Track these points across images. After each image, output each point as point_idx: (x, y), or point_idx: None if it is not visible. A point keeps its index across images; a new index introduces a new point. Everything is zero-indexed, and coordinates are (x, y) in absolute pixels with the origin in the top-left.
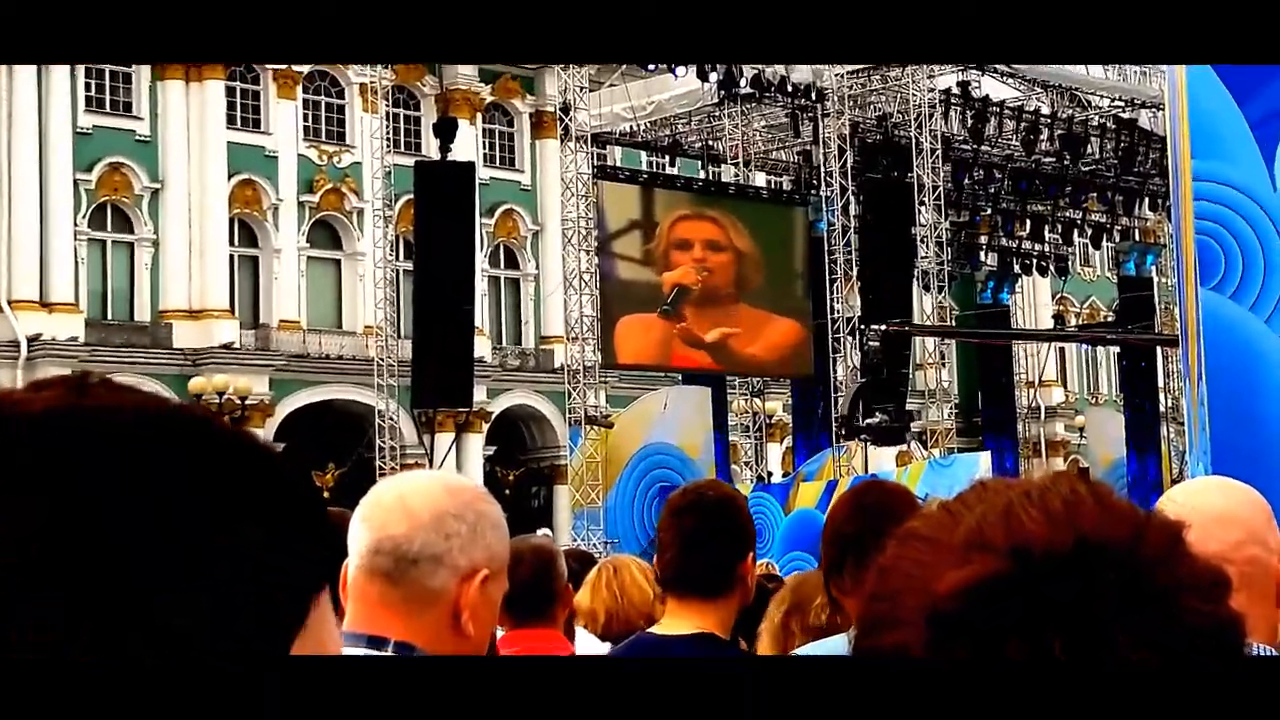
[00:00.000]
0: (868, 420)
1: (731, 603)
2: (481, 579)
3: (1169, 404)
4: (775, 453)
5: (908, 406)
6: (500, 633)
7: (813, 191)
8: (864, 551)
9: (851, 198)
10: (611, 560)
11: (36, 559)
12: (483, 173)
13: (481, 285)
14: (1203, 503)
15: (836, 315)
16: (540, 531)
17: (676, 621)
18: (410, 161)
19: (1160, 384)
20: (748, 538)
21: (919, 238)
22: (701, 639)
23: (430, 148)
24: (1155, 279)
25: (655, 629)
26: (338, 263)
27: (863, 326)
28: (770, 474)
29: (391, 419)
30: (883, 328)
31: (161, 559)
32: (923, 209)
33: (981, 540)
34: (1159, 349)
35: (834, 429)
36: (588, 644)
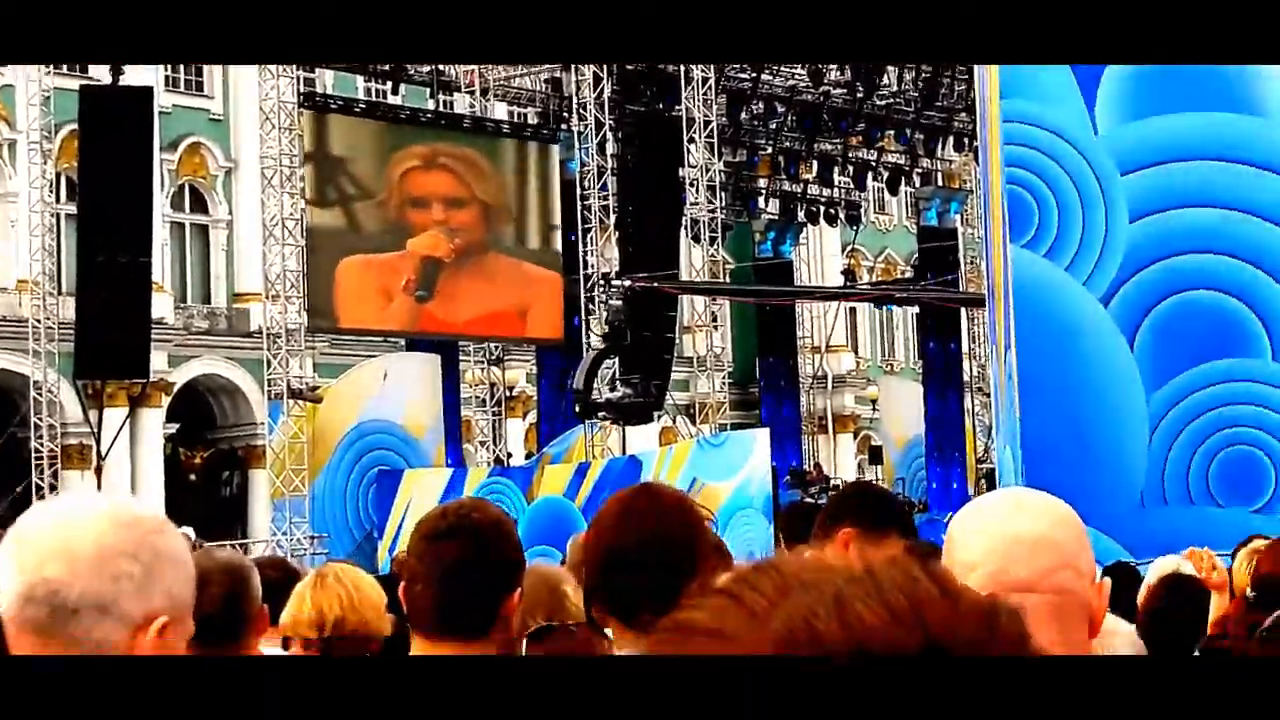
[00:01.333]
0: (609, 395)
1: (490, 646)
2: (159, 628)
3: (974, 372)
4: (516, 430)
5: (673, 376)
6: None
7: (564, 126)
8: (636, 572)
9: (609, 134)
10: (333, 565)
11: None
12: (163, 99)
13: (162, 233)
14: (1007, 525)
15: (591, 270)
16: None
17: None
18: (74, 85)
19: (965, 349)
20: (516, 570)
21: (688, 181)
22: None
23: (99, 69)
24: (960, 229)
25: None
26: None
27: (603, 282)
28: (510, 455)
29: (50, 391)
30: (626, 284)
31: None
32: (692, 148)
33: (812, 639)
34: (963, 310)
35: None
36: None
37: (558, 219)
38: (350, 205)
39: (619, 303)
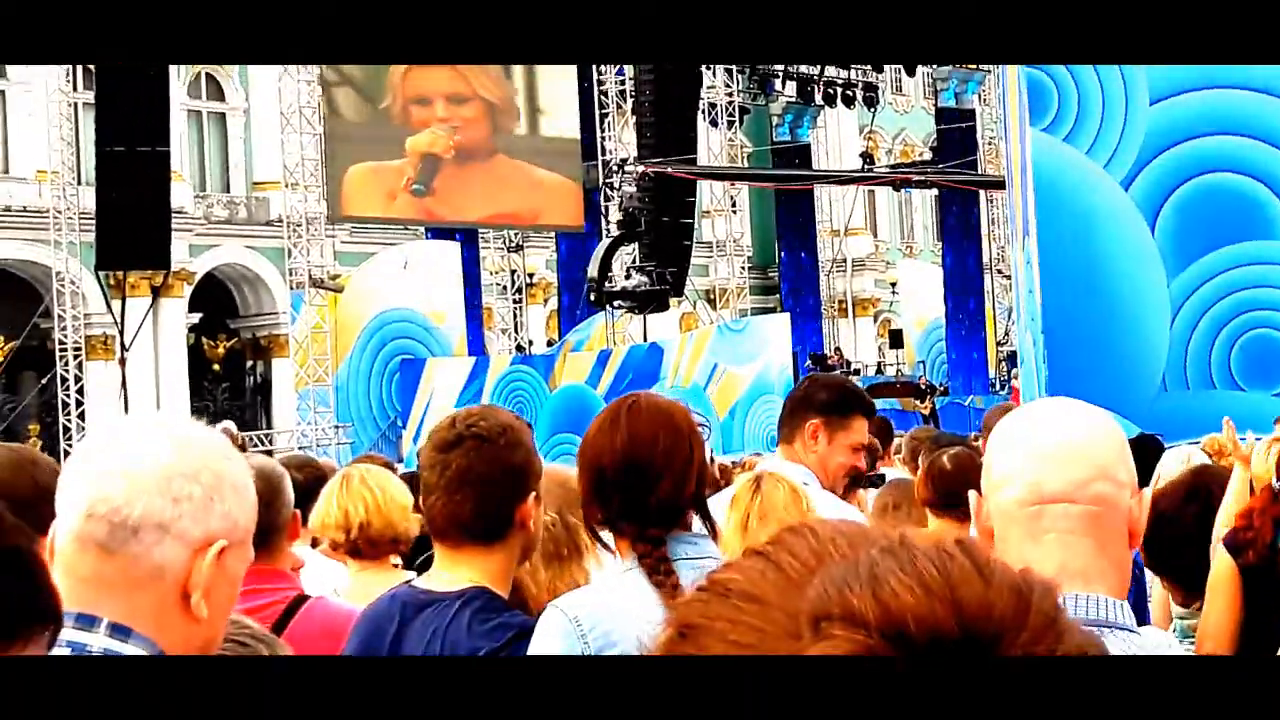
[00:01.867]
0: (624, 283)
1: (510, 550)
2: (218, 551)
3: (993, 254)
4: (537, 317)
5: (692, 261)
6: None
7: None
8: (630, 490)
9: None
10: (359, 467)
11: None
12: None
13: (180, 121)
14: (1043, 436)
15: (610, 156)
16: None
17: (444, 574)
18: None
19: (984, 231)
20: (529, 475)
21: (704, 64)
22: (474, 595)
23: None
24: (978, 110)
25: (420, 581)
26: (1, 93)
27: (616, 167)
28: (531, 343)
29: (73, 282)
30: (641, 169)
31: None
32: None
33: (845, 611)
34: (982, 192)
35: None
36: (324, 571)
37: (572, 109)
38: (359, 98)
39: (633, 189)
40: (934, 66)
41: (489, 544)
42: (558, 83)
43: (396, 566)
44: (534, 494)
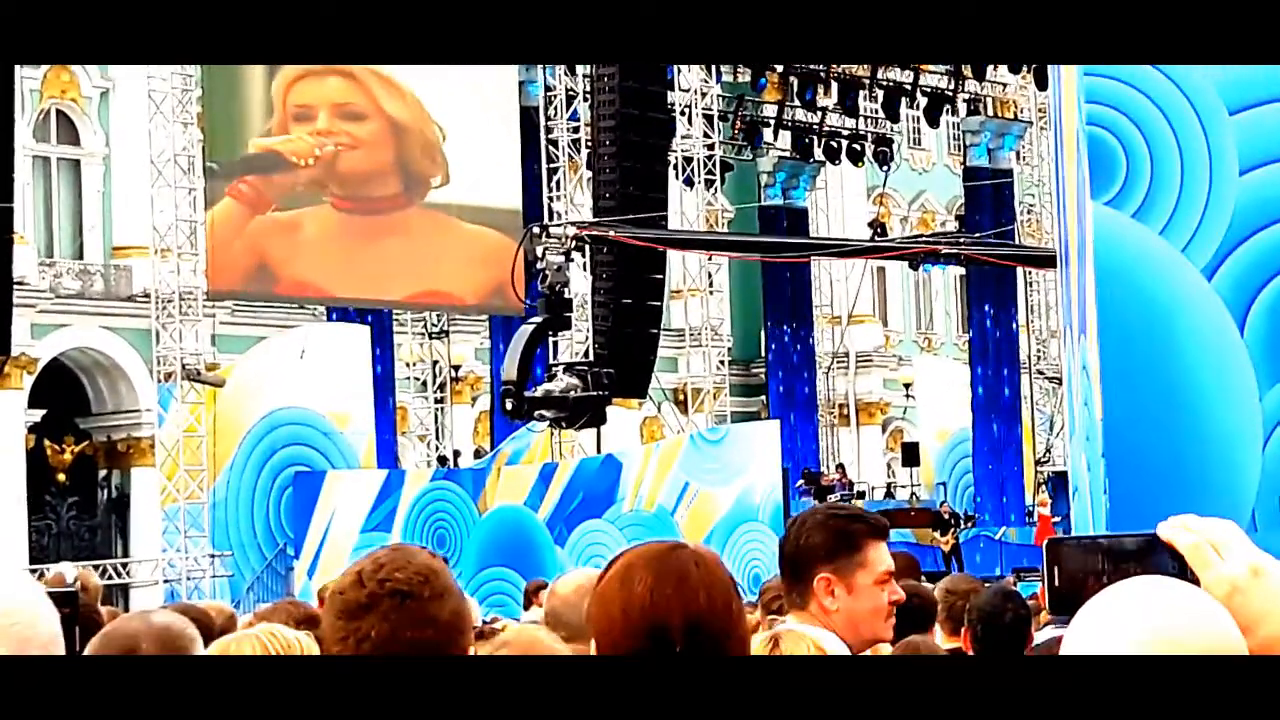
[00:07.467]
0: (547, 386)
1: None
2: None
3: (1033, 350)
4: (464, 420)
5: (658, 354)
6: None
7: None
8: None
9: None
10: (268, 626)
11: None
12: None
13: (24, 169)
14: None
15: (559, 219)
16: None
17: None
18: None
19: (1021, 321)
20: (463, 632)
21: (677, 108)
22: None
23: None
24: (1016, 170)
25: None
26: None
27: (536, 231)
28: (457, 453)
29: None
30: (571, 231)
31: None
32: (683, 67)
33: None
34: (1020, 271)
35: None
36: None
37: (515, 157)
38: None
39: (560, 258)
40: (962, 115)
41: None
42: (495, 120)
43: None
44: (470, 647)
